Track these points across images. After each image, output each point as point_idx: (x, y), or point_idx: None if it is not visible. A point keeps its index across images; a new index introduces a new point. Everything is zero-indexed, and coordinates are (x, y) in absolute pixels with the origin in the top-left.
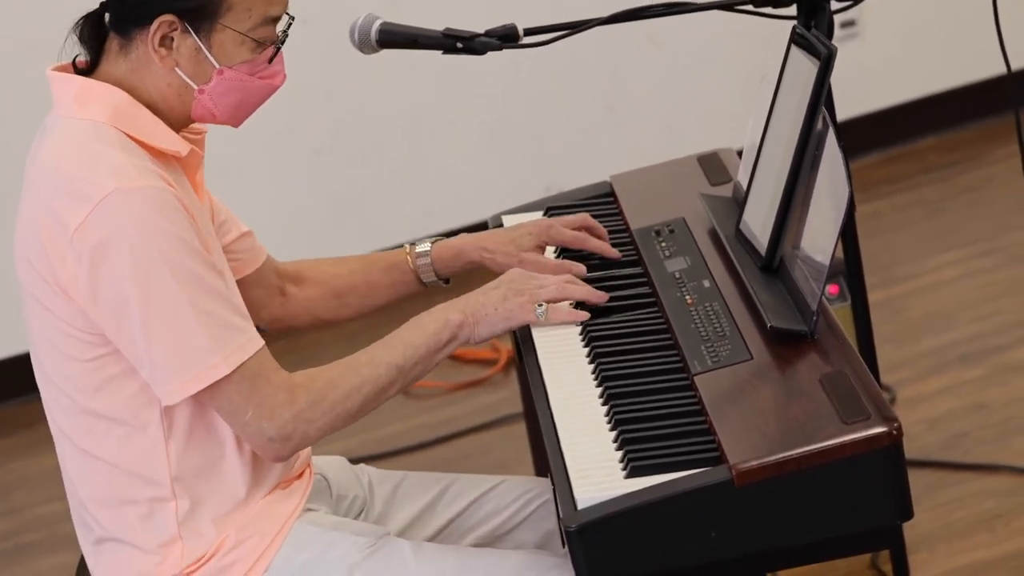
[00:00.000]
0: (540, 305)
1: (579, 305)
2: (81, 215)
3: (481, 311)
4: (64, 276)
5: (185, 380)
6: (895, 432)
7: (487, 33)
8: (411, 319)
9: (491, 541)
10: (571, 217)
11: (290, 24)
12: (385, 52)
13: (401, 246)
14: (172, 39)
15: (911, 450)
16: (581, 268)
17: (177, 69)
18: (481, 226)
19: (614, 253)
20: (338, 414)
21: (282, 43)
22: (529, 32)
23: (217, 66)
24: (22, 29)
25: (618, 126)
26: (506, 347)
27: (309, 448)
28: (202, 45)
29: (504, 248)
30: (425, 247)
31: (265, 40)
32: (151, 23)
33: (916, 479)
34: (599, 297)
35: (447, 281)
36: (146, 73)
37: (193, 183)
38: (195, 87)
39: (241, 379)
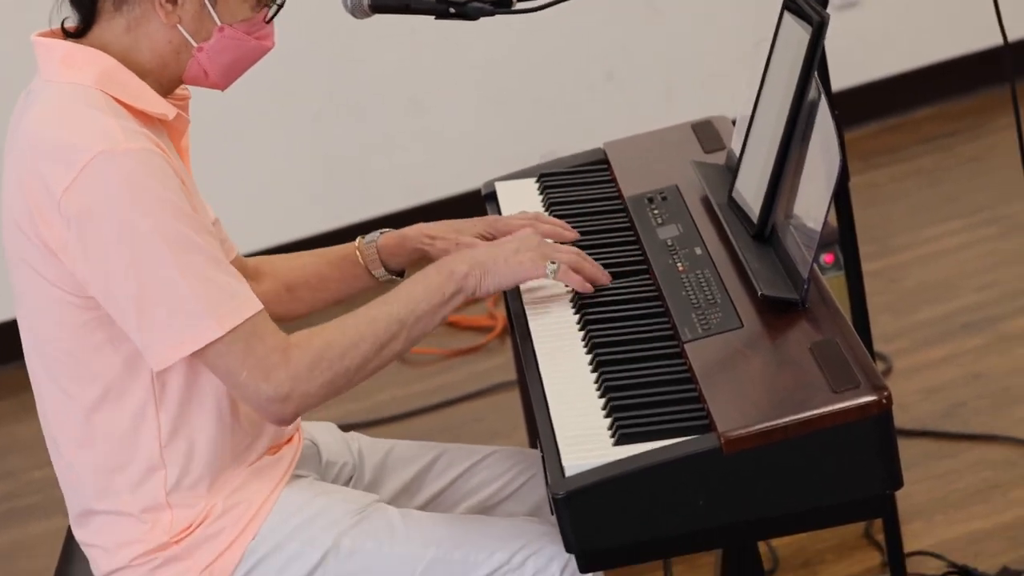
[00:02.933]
0: (552, 262)
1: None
2: (68, 179)
3: (490, 262)
4: (53, 240)
5: (176, 343)
6: (885, 401)
7: None
8: (419, 271)
9: (481, 511)
10: (522, 216)
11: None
12: (385, 18)
13: (393, 215)
14: None
15: (908, 420)
16: (570, 233)
17: (180, 26)
18: (475, 193)
19: (568, 234)
20: (337, 371)
21: (278, 8)
22: None
23: (219, 23)
24: None
25: (617, 94)
26: (502, 314)
27: None
28: (207, 1)
29: (446, 235)
30: (373, 237)
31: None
32: None
33: (913, 449)
34: (606, 278)
35: (401, 274)
36: (143, 32)
37: (178, 148)
38: (195, 45)
39: (234, 340)
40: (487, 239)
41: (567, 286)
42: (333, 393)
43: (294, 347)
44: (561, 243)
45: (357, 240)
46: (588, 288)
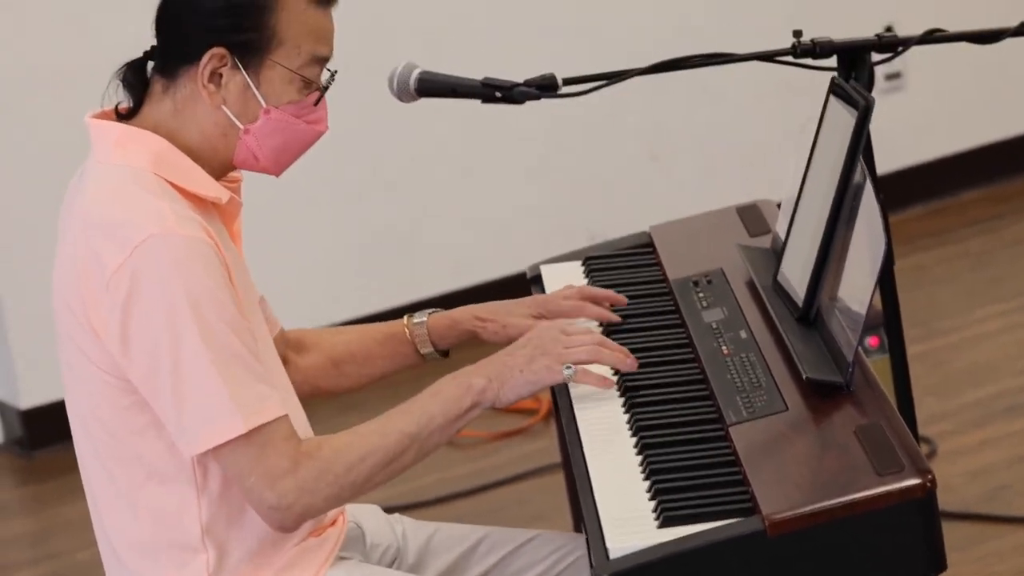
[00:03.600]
0: (568, 367)
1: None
2: (120, 258)
3: (507, 373)
4: (97, 320)
5: (202, 435)
6: (929, 484)
7: (526, 83)
8: (436, 382)
9: None
10: (569, 291)
11: (333, 75)
12: (425, 100)
13: (437, 299)
14: (221, 75)
15: (952, 502)
16: (614, 316)
17: (224, 107)
18: (520, 276)
19: (614, 317)
20: (343, 485)
21: (327, 88)
22: (568, 82)
23: (264, 104)
24: (66, 65)
25: (661, 175)
26: (547, 397)
27: None
28: (251, 82)
29: (496, 316)
30: (422, 318)
31: (312, 80)
32: (199, 59)
33: (956, 532)
34: (630, 364)
35: (446, 354)
36: (190, 114)
37: (231, 233)
38: (241, 127)
39: (250, 443)
40: (536, 319)
41: (612, 368)
42: (336, 505)
43: (304, 456)
44: (607, 325)
45: (405, 318)
46: (608, 385)
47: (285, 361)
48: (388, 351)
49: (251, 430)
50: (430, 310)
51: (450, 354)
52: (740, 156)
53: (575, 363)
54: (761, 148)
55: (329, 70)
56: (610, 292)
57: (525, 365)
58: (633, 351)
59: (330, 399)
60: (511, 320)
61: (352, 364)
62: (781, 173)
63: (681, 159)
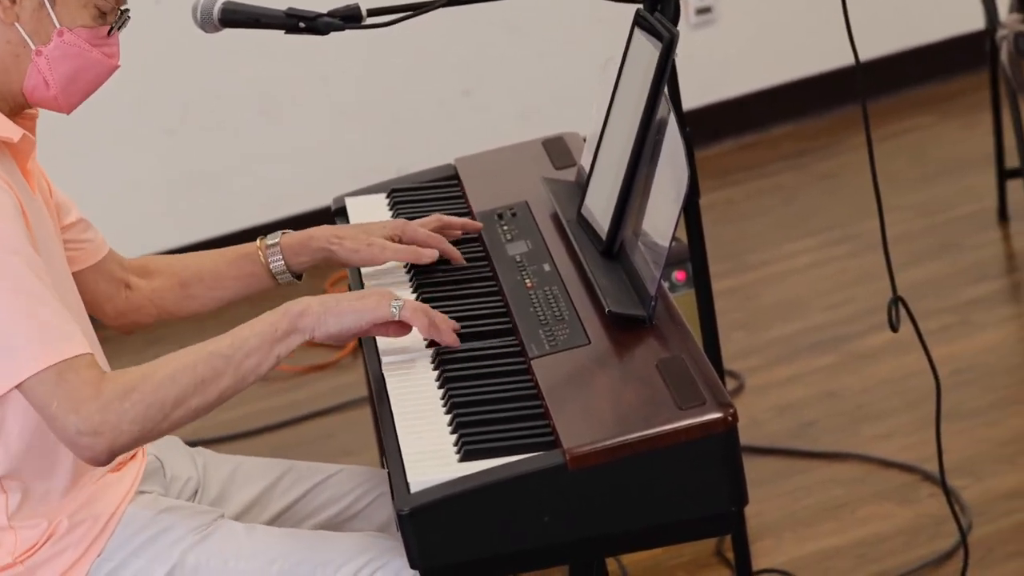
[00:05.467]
0: (397, 300)
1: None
2: None
3: (332, 302)
4: None
5: (1, 373)
6: (730, 418)
7: (330, 13)
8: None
9: (328, 529)
10: (426, 219)
11: (126, 12)
12: (238, 33)
13: (248, 231)
14: None
15: (759, 437)
16: (462, 260)
17: (17, 24)
18: (326, 209)
19: (462, 261)
20: (151, 404)
21: (120, 22)
22: (373, 12)
23: (58, 25)
24: None
25: (474, 111)
26: None
27: None
28: (46, 0)
29: (355, 235)
30: (275, 238)
31: (109, 10)
32: None
33: (764, 466)
34: (451, 339)
35: (299, 277)
36: None
37: (24, 171)
38: (33, 47)
39: (49, 373)
40: (395, 242)
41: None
42: (148, 429)
43: (107, 380)
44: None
45: (258, 240)
46: (434, 332)
47: (127, 287)
48: (238, 271)
49: (52, 364)
50: (284, 231)
51: (302, 277)
52: (551, 91)
53: (401, 317)
54: (573, 82)
55: (122, 10)
56: (466, 220)
57: (355, 299)
58: (436, 285)
59: (182, 322)
60: (368, 239)
61: (200, 286)
62: (590, 108)
63: (494, 94)
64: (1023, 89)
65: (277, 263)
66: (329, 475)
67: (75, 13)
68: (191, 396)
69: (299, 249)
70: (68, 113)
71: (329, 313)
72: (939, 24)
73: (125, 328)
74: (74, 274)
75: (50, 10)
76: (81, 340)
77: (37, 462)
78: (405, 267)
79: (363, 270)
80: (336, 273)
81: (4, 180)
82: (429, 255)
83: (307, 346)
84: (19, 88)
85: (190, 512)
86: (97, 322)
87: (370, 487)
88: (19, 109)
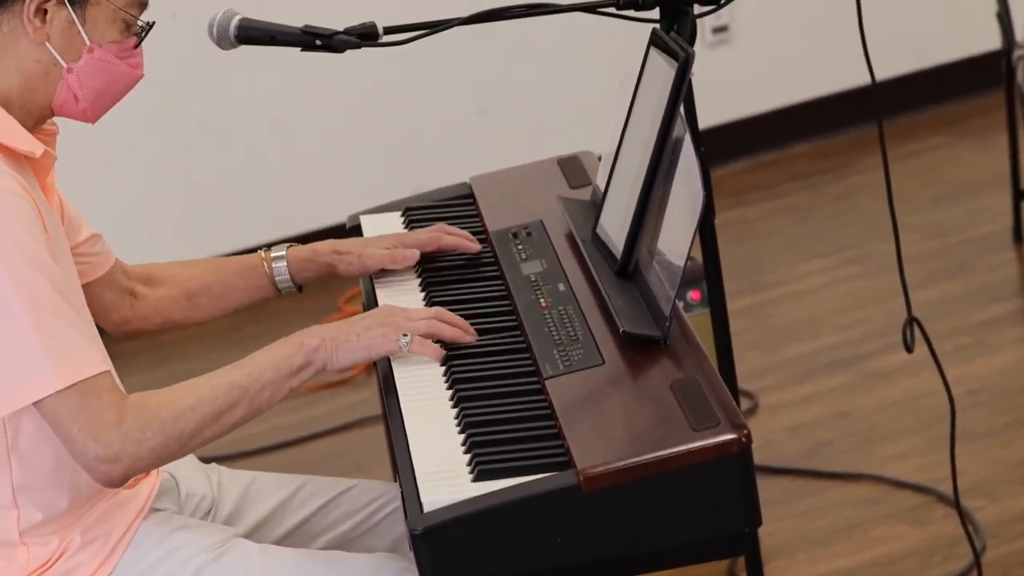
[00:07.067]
0: (405, 335)
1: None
2: None
3: (343, 337)
4: None
5: (17, 391)
6: (744, 439)
7: (346, 31)
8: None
9: (342, 545)
10: (427, 228)
11: (151, 25)
12: (254, 49)
13: (261, 247)
14: (46, 11)
15: (773, 457)
16: (473, 245)
17: (48, 44)
18: (341, 226)
19: (472, 246)
20: (170, 435)
21: (146, 33)
22: (389, 31)
23: (88, 43)
24: None
25: (488, 129)
26: None
27: None
28: (76, 18)
29: (355, 248)
30: (280, 251)
31: (134, 23)
32: None
33: (777, 487)
34: (469, 337)
35: (300, 288)
36: (11, 52)
37: (43, 186)
38: (64, 64)
39: (71, 395)
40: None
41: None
42: (165, 458)
43: (130, 407)
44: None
45: (262, 251)
46: (440, 356)
47: (133, 295)
48: (246, 283)
49: (70, 385)
50: (288, 244)
51: (303, 289)
52: (566, 110)
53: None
54: (587, 101)
55: (144, 21)
56: (465, 233)
57: (363, 331)
58: (450, 303)
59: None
60: (368, 251)
61: (207, 296)
62: (605, 126)
63: (508, 113)
64: None
65: (283, 276)
66: (344, 489)
67: (104, 29)
68: (208, 427)
69: (304, 264)
70: (93, 123)
71: (340, 349)
72: (955, 44)
73: (127, 335)
74: (83, 286)
75: (80, 28)
76: (99, 357)
77: (51, 478)
78: (420, 284)
79: (377, 286)
80: (351, 289)
81: (28, 192)
82: (404, 257)
83: None
84: (47, 103)
85: (204, 531)
86: (100, 330)
87: (385, 501)
88: (42, 121)
